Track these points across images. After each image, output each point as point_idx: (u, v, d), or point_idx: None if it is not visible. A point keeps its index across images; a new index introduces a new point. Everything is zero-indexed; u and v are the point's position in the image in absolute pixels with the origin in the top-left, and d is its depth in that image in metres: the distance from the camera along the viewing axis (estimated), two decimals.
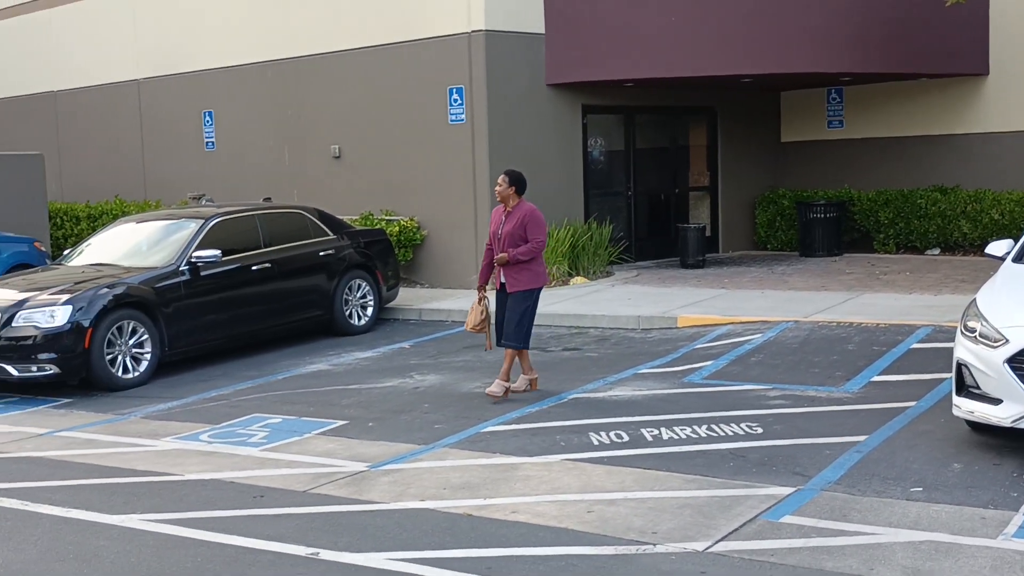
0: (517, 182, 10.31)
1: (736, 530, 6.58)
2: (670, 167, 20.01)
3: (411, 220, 17.09)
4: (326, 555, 6.52)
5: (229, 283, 13.44)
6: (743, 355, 11.81)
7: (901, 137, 19.71)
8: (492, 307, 11.17)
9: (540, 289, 10.43)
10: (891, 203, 19.40)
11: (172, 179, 21.79)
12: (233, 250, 13.60)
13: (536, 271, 10.36)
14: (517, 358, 10.58)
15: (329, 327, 14.69)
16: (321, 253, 14.62)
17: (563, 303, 15.34)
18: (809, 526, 6.61)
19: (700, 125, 20.38)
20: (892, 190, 19.57)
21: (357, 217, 17.52)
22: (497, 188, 10.34)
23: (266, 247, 14.06)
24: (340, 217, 15.99)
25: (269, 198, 16.45)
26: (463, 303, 15.84)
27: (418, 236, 17.14)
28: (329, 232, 14.92)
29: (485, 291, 10.62)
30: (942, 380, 10.00)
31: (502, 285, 10.46)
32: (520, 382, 10.71)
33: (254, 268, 13.69)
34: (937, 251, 19.11)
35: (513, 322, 10.32)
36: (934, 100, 19.27)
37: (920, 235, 19.16)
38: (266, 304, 13.88)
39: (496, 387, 10.38)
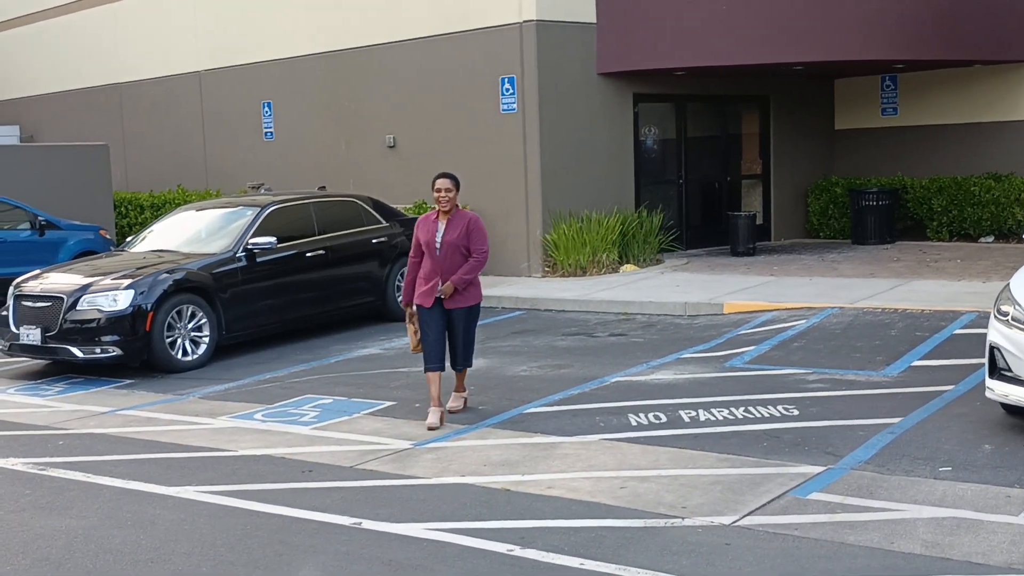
0: (458, 187, 9.26)
1: (763, 505, 6.78)
2: (722, 155, 20.12)
3: (463, 208, 17.42)
4: (368, 524, 6.82)
5: (284, 269, 13.79)
6: (786, 340, 11.96)
7: (955, 124, 19.65)
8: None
9: (479, 304, 9.52)
10: (944, 190, 19.36)
11: (232, 169, 22.28)
12: (289, 237, 13.95)
13: (478, 284, 9.46)
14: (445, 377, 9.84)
15: (381, 313, 15.03)
16: (374, 240, 14.94)
17: (612, 290, 15.55)
18: (835, 502, 6.79)
19: (752, 113, 20.45)
20: (945, 177, 19.51)
21: (410, 205, 17.84)
22: (443, 195, 9.14)
23: (320, 234, 14.36)
24: (393, 206, 16.32)
25: (324, 187, 16.83)
26: (515, 290, 16.10)
27: None
28: (381, 220, 15.25)
29: (413, 308, 9.37)
30: (982, 365, 10.10)
31: (435, 302, 9.26)
32: (456, 401, 9.65)
33: (308, 255, 14.03)
34: (991, 239, 19.04)
35: (465, 343, 9.42)
36: (988, 87, 19.19)
37: (973, 223, 19.10)
38: (319, 290, 14.18)
39: (434, 417, 9.15)
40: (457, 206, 9.34)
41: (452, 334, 9.41)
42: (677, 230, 19.09)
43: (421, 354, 9.46)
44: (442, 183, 9.18)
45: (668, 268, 17.14)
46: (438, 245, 9.20)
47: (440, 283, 9.23)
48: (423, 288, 9.25)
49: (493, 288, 16.42)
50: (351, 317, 14.84)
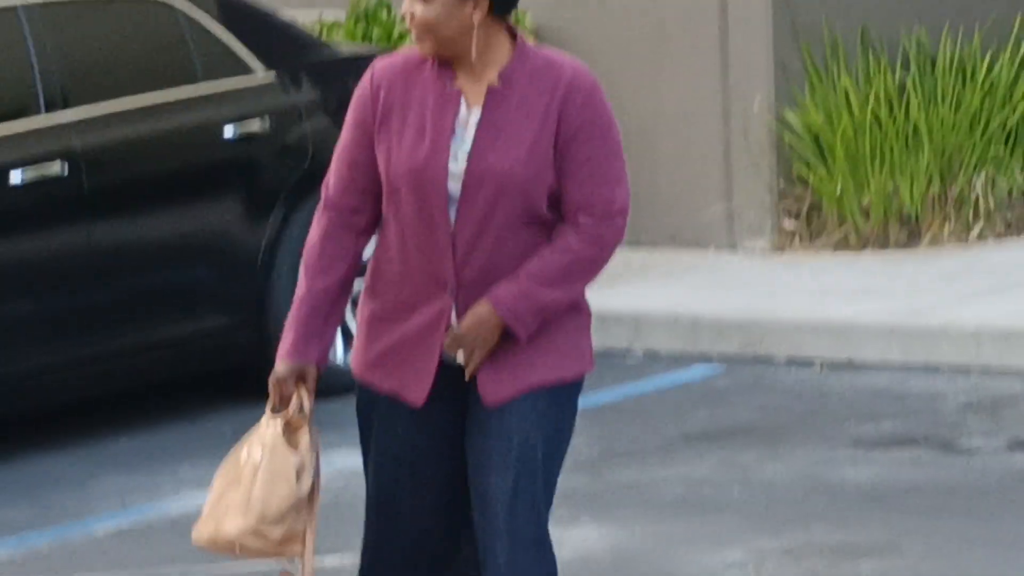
0: None
1: None
2: None
3: (516, 22, 6.45)
4: None
5: None
6: None
7: None
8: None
9: (581, 381, 2.18)
10: None
11: None
12: None
13: (583, 321, 2.17)
14: None
15: (255, 364, 4.42)
16: (228, 131, 4.68)
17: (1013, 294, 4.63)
18: None
19: None
20: None
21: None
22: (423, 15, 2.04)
23: (53, 108, 4.49)
24: (297, 17, 5.51)
25: None
26: (692, 293, 5.58)
27: None
28: (252, 61, 4.78)
29: (307, 400, 2.08)
30: None
31: (439, 380, 2.08)
32: None
33: (18, 179, 4.35)
34: None
35: (523, 502, 2.06)
36: None
37: None
38: (54, 298, 4.49)
39: None
40: (516, 36, 2.15)
41: (481, 480, 2.12)
42: None
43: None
44: None
45: None
46: (454, 175, 2.10)
47: (453, 317, 2.11)
48: (390, 327, 2.16)
49: (628, 286, 5.57)
50: (165, 377, 4.76)
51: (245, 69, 4.75)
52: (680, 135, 6.07)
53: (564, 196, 2.05)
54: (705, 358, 5.04)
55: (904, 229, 5.51)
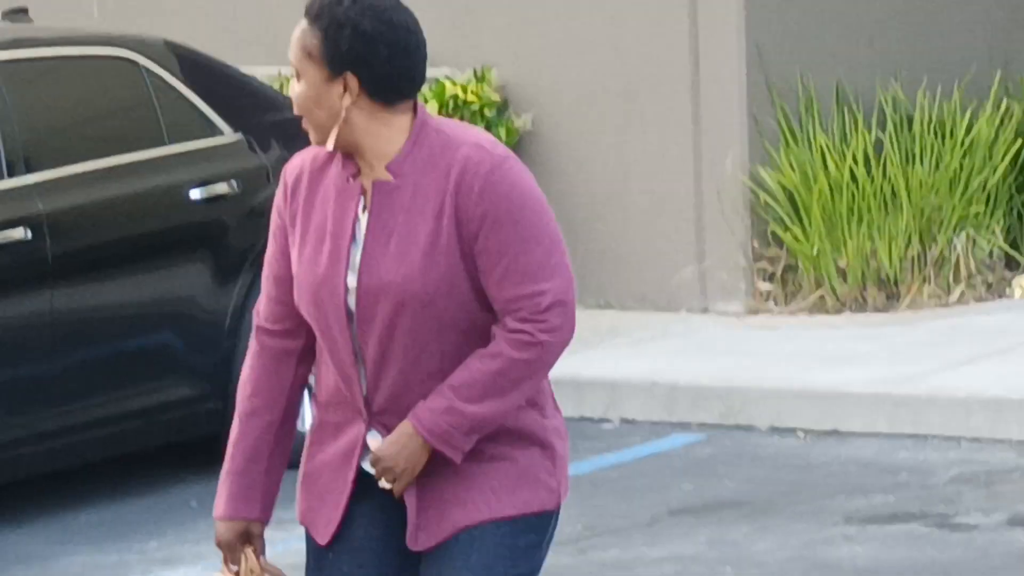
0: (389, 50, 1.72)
1: None
2: None
3: (477, 80, 6.25)
4: None
5: None
6: None
7: None
8: None
9: (553, 517, 1.78)
10: None
11: None
12: None
13: (546, 448, 1.77)
14: None
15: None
16: (194, 193, 4.46)
17: (998, 360, 4.55)
18: None
19: None
20: None
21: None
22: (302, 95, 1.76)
23: (23, 171, 4.33)
24: (261, 74, 5.32)
25: (25, 8, 5.76)
26: (663, 359, 5.37)
27: (501, 134, 6.24)
28: (220, 122, 4.56)
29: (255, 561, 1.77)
30: None
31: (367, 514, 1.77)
32: None
33: None
34: None
35: None
36: None
37: None
38: (12, 365, 4.22)
39: None
40: (418, 114, 1.80)
41: None
42: None
43: None
44: (301, 40, 1.77)
45: None
46: (353, 289, 1.76)
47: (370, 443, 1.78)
48: (314, 453, 1.84)
49: (600, 351, 5.40)
50: (130, 448, 4.54)
51: (212, 130, 4.56)
52: (651, 194, 5.93)
53: (489, 296, 1.72)
54: (684, 426, 4.88)
55: (882, 291, 5.40)
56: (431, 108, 5.84)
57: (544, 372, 1.74)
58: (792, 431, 4.72)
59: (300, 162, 1.82)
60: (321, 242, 1.74)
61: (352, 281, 1.72)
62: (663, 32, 5.86)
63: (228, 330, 4.46)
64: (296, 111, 1.77)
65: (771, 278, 5.64)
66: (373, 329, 1.71)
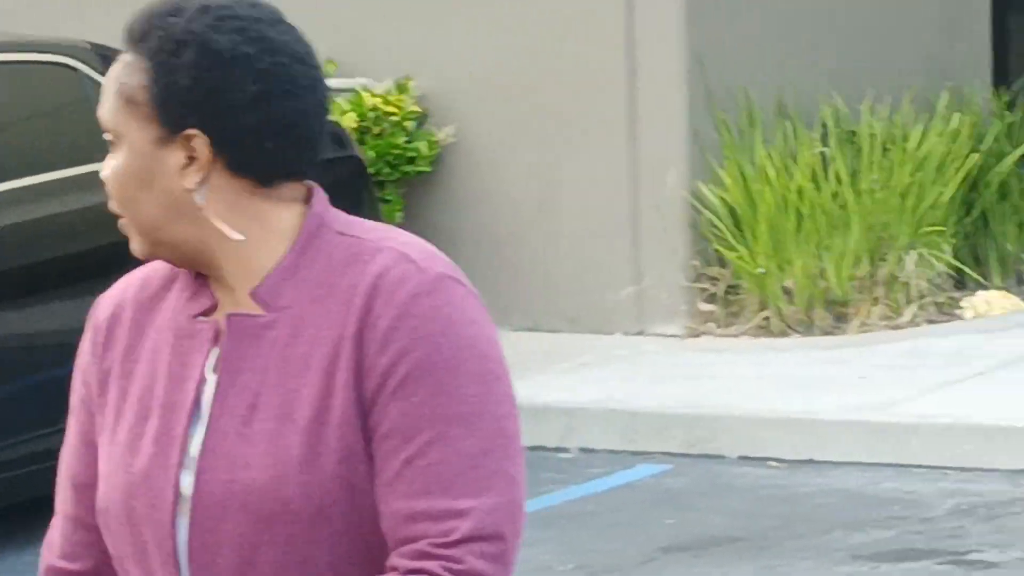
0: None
1: None
2: None
3: (398, 90, 5.81)
4: None
5: None
6: None
7: None
8: None
9: None
10: None
11: None
12: None
13: None
14: None
15: None
16: None
17: (971, 386, 4.36)
18: None
19: None
20: None
21: None
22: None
23: None
24: None
25: None
26: (613, 384, 4.96)
27: (422, 147, 5.79)
28: None
29: None
30: None
31: None
32: None
33: None
34: None
35: None
36: None
37: None
38: None
39: None
40: (313, 205, 1.04)
41: None
42: None
43: None
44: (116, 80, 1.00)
45: None
46: (181, 497, 0.98)
47: None
48: None
49: (546, 376, 5.03)
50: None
51: None
52: (583, 211, 5.57)
53: (378, 513, 1.00)
54: (646, 456, 4.54)
55: (830, 312, 5.19)
56: (349, 121, 5.32)
57: None
58: (763, 460, 4.44)
59: (119, 294, 1.12)
60: (144, 419, 1.05)
61: (187, 483, 1.02)
62: (597, 40, 5.52)
63: None
64: (112, 203, 1.06)
65: (712, 298, 5.37)
66: (219, 564, 1.02)
